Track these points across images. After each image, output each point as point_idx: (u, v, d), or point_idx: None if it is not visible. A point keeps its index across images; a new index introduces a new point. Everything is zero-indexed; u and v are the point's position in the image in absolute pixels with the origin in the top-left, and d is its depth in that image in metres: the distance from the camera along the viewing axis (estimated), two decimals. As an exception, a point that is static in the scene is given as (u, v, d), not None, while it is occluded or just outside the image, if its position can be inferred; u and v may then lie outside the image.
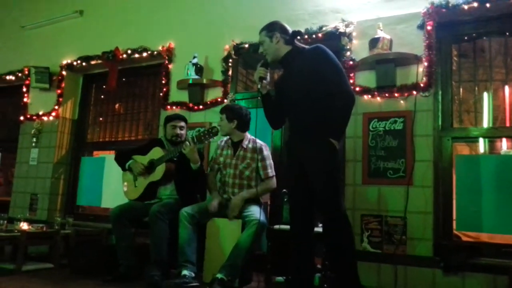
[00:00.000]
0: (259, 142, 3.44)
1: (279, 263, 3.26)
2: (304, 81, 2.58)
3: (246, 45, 4.13)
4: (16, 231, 3.65)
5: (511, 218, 3.02)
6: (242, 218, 3.19)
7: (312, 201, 2.60)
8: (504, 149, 3.49)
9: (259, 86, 2.75)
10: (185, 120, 3.75)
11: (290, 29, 2.75)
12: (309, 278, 2.65)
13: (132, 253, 3.37)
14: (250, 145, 3.43)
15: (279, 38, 2.70)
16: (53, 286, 3.05)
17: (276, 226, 3.22)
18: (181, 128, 3.66)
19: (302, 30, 3.74)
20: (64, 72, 5.29)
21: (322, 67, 2.53)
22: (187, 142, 3.29)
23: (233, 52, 4.22)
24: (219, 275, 2.90)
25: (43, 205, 5.09)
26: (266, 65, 2.76)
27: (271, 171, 3.40)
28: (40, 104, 5.39)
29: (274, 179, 3.43)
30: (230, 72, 4.22)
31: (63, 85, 5.27)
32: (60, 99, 5.24)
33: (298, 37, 2.82)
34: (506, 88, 3.46)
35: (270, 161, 3.42)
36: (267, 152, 3.43)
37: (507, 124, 3.45)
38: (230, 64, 4.23)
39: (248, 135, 3.48)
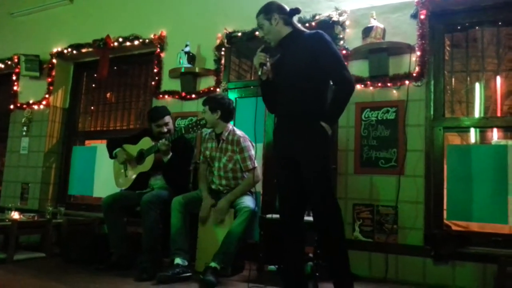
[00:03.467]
0: (237, 133, 3.35)
1: (271, 252, 3.28)
2: (300, 67, 2.52)
3: (239, 34, 4.10)
4: (7, 220, 3.63)
5: (501, 207, 3.05)
6: (234, 206, 3.20)
7: (302, 189, 2.57)
8: (495, 139, 3.51)
9: (259, 72, 2.63)
10: (167, 113, 3.65)
11: (287, 8, 2.66)
12: (300, 266, 2.66)
13: (124, 242, 3.37)
14: (230, 137, 3.35)
15: (278, 20, 2.61)
16: (46, 275, 3.04)
17: (269, 215, 3.23)
18: (166, 124, 3.58)
19: (296, 19, 3.72)
20: (54, 60, 5.24)
21: (322, 55, 2.48)
22: (164, 141, 3.31)
23: (225, 41, 4.19)
24: (212, 264, 2.91)
25: (34, 195, 5.07)
26: (266, 50, 2.64)
27: (251, 163, 3.28)
28: (31, 93, 5.34)
29: (257, 170, 3.35)
30: (222, 61, 4.20)
31: (53, 73, 5.22)
32: (51, 88, 5.19)
33: (297, 15, 2.73)
34: (498, 78, 3.47)
35: (249, 153, 3.30)
36: (245, 143, 3.31)
37: (498, 114, 3.47)
38: (222, 53, 4.20)
39: (229, 126, 3.40)
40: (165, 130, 3.56)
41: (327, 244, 2.54)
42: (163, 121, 3.58)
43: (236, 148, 3.31)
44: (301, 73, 2.52)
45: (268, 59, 2.64)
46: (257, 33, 3.81)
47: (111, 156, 3.73)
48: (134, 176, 3.56)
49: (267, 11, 2.65)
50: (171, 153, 3.39)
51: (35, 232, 3.99)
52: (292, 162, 2.55)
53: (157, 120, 3.57)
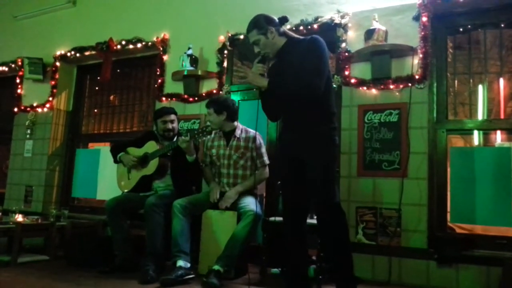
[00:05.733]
0: (251, 131, 3.45)
1: (274, 254, 3.28)
2: (295, 74, 2.53)
3: (241, 36, 4.11)
4: (11, 223, 3.64)
5: (505, 210, 3.04)
6: (238, 209, 3.20)
7: (306, 192, 2.58)
8: (499, 142, 3.50)
9: None
10: (174, 112, 3.72)
11: (275, 18, 2.64)
12: (303, 269, 2.66)
13: (127, 245, 3.37)
14: (243, 135, 3.45)
15: (274, 32, 2.59)
16: (49, 278, 3.05)
17: (272, 218, 3.22)
18: (171, 122, 3.64)
19: (298, 21, 3.75)
20: (57, 63, 5.25)
21: (307, 55, 2.49)
22: (184, 137, 3.26)
23: (228, 43, 4.20)
24: (215, 267, 2.91)
25: (38, 197, 5.08)
26: (263, 61, 2.65)
27: (266, 159, 3.45)
28: (34, 96, 5.35)
29: (267, 168, 3.47)
30: (225, 64, 4.20)
31: (57, 76, 5.24)
32: (54, 91, 5.21)
33: (286, 24, 2.72)
34: (501, 80, 3.46)
35: (264, 149, 3.47)
36: (260, 140, 3.46)
37: (502, 117, 3.46)
38: (225, 56, 4.21)
39: (239, 125, 3.49)
40: (170, 127, 3.61)
41: (330, 247, 2.54)
42: (169, 117, 3.63)
43: (253, 145, 3.38)
44: None
45: (266, 69, 2.65)
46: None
47: (115, 161, 3.74)
48: (136, 180, 3.56)
49: (259, 26, 2.60)
50: (195, 153, 3.41)
51: (39, 235, 4.00)
52: (296, 165, 2.56)
53: (164, 116, 3.62)
